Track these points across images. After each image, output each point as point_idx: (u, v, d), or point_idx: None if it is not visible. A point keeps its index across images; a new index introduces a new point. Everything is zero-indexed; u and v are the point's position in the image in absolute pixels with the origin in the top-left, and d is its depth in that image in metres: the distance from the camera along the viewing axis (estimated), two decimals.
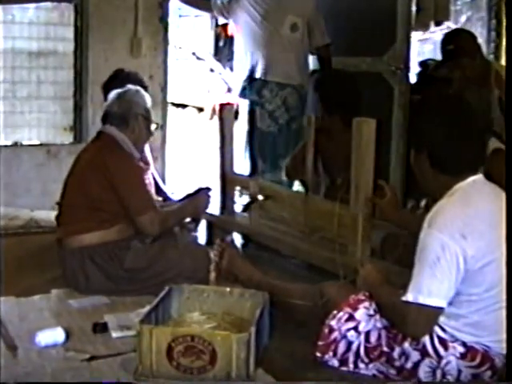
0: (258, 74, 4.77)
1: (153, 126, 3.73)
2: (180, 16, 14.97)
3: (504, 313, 2.25)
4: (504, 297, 2.27)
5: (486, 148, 2.52)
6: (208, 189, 3.82)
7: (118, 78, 4.17)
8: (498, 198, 2.40)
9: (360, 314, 2.57)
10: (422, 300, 2.33)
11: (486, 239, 2.33)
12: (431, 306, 2.33)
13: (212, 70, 9.52)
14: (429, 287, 2.33)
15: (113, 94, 3.66)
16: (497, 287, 2.34)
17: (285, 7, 4.70)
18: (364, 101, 4.25)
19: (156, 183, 4.33)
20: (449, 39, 4.83)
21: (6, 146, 5.05)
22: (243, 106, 4.80)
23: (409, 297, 2.36)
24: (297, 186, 4.71)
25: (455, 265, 2.31)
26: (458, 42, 4.69)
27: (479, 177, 2.45)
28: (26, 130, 5.15)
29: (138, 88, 3.71)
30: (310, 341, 2.68)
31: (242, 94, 4.91)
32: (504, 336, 2.26)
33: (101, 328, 2.99)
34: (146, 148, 4.25)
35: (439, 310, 2.36)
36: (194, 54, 9.89)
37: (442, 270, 2.31)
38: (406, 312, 2.37)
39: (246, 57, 4.81)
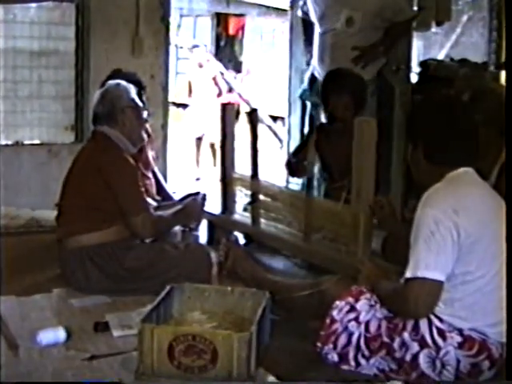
0: (316, 74, 4.78)
1: (144, 113, 3.70)
2: (181, 16, 15.01)
3: (497, 294, 2.39)
4: (496, 278, 2.41)
5: (479, 145, 2.59)
6: (202, 195, 3.80)
7: (116, 77, 4.17)
8: (486, 188, 2.58)
9: (361, 304, 2.61)
10: (421, 274, 2.38)
11: (476, 215, 2.43)
12: (430, 278, 2.38)
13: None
14: (426, 261, 2.39)
15: (96, 94, 3.65)
16: (488, 266, 2.43)
17: (341, 1, 4.65)
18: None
19: (158, 182, 4.34)
20: None
21: (7, 145, 5.06)
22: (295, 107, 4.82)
23: (408, 274, 2.41)
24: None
25: (449, 238, 2.38)
26: None
27: (470, 169, 2.55)
28: (28, 130, 5.15)
29: (119, 81, 3.68)
30: (312, 340, 2.69)
31: (303, 96, 4.93)
32: (498, 318, 2.39)
33: (102, 327, 2.99)
34: (147, 147, 4.26)
35: (439, 284, 2.40)
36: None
37: (438, 244, 2.38)
38: (407, 291, 2.42)
39: (306, 58, 4.85)
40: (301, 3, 5.03)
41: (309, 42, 5.02)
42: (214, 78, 8.88)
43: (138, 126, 3.65)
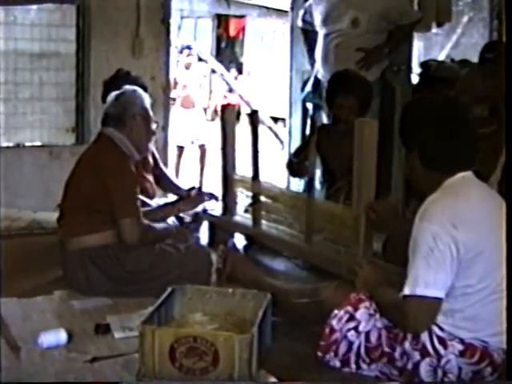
0: (319, 76, 4.78)
1: (153, 125, 3.72)
2: (182, 17, 15.03)
3: (499, 304, 2.32)
4: (499, 288, 2.34)
5: (478, 149, 2.51)
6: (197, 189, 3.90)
7: (120, 78, 4.17)
8: (487, 192, 2.49)
9: (360, 313, 2.58)
10: (420, 292, 2.34)
11: (476, 229, 2.36)
12: (429, 296, 2.34)
13: (214, 71, 9.56)
14: (425, 278, 2.34)
15: (111, 96, 3.66)
16: (490, 278, 2.38)
17: (346, 2, 4.64)
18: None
19: (165, 176, 4.33)
20: (489, 47, 4.74)
21: (8, 147, 5.06)
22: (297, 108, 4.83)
23: (406, 291, 2.36)
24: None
25: (449, 254, 2.33)
26: (499, 50, 4.59)
27: (468, 173, 2.48)
28: (28, 132, 5.15)
29: (135, 88, 3.70)
30: (313, 342, 2.68)
31: (307, 98, 4.93)
32: (501, 328, 2.32)
33: (103, 329, 2.99)
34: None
35: (438, 302, 2.37)
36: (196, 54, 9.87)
37: (436, 261, 2.33)
38: (405, 308, 2.37)
39: (309, 60, 4.84)
40: (301, 13, 5.01)
41: (311, 51, 5.01)
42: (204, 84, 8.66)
43: (145, 136, 3.65)
